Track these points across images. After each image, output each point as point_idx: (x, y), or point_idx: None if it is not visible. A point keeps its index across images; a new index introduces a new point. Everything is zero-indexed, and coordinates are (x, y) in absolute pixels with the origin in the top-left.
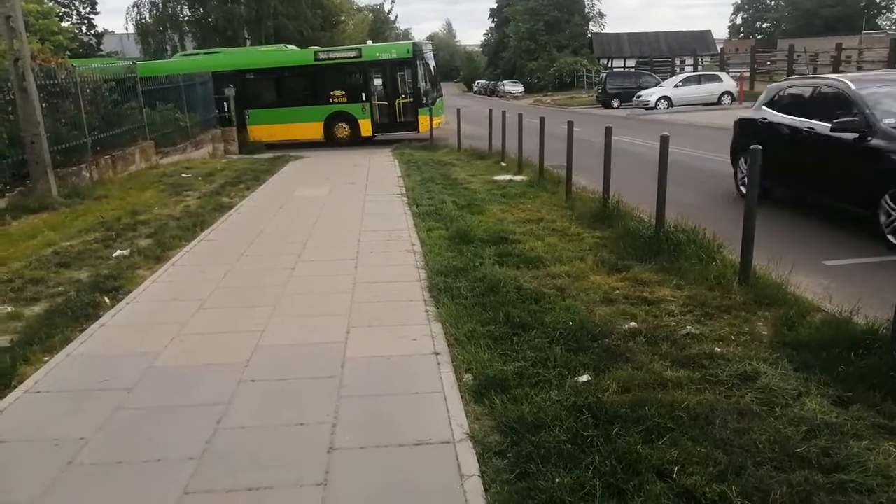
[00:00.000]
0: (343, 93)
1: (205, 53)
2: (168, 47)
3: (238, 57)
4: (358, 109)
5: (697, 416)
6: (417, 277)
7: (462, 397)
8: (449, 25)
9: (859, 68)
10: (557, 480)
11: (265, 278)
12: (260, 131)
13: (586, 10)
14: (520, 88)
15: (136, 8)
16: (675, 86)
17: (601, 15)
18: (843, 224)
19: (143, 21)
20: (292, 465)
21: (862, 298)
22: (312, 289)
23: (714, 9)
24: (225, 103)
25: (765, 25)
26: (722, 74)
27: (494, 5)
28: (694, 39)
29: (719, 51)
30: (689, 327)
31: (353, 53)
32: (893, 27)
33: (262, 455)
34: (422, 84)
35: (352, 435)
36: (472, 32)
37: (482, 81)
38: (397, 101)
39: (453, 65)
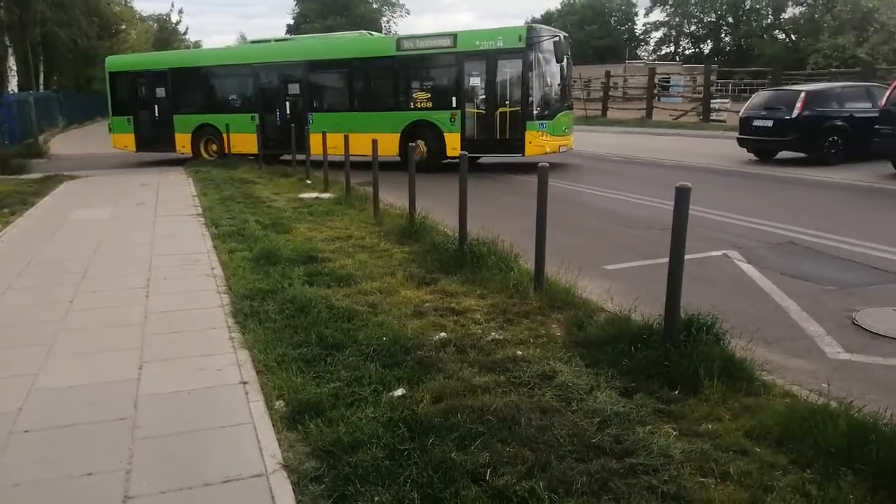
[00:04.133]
0: (428, 96)
1: (275, 41)
2: None
3: (308, 46)
4: (445, 119)
5: (505, 417)
6: (220, 303)
7: (274, 426)
8: (243, 39)
9: (625, 92)
10: (376, 499)
11: (38, 313)
12: (320, 143)
13: (384, 32)
14: None
15: None
16: None
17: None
18: (619, 231)
19: None
20: None
21: (638, 298)
22: (96, 322)
23: None
24: None
25: None
26: None
27: (291, 22)
28: None
29: None
30: (493, 333)
31: (447, 42)
32: (650, 57)
33: None
34: (535, 87)
35: (150, 480)
36: None
37: None
38: (498, 111)
39: None
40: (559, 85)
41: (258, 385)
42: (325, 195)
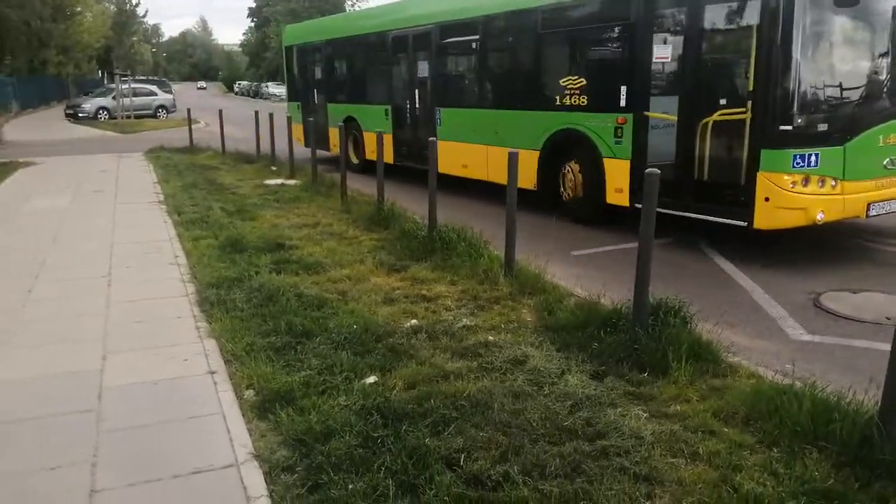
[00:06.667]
0: (582, 83)
1: None
2: None
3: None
4: (605, 130)
5: (478, 402)
6: (185, 292)
7: (244, 415)
8: (204, 22)
9: None
10: (350, 486)
11: None
12: (450, 154)
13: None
14: (285, 91)
15: None
16: None
17: None
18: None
19: None
20: None
21: (606, 283)
22: (56, 313)
23: None
24: None
25: None
26: None
27: (253, 4)
28: None
29: None
30: (464, 320)
31: None
32: None
33: None
34: (790, 69)
35: (117, 473)
36: (231, 31)
37: (244, 82)
38: (708, 120)
39: (211, 64)
40: (871, 62)
41: (226, 374)
42: (291, 181)
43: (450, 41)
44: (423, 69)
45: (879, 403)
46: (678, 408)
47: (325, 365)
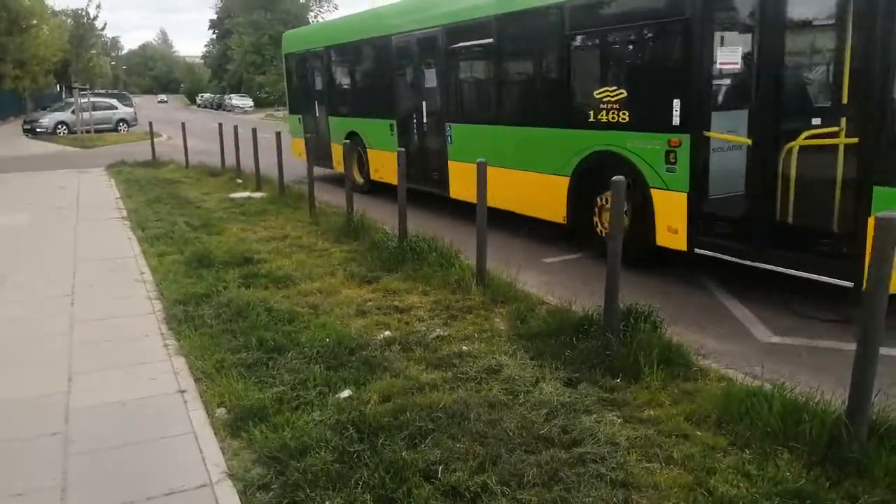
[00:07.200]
0: (621, 96)
1: None
2: None
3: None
4: (651, 153)
5: (454, 413)
6: (151, 309)
7: (216, 434)
8: (164, 35)
9: None
10: (327, 503)
11: None
12: (462, 177)
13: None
14: (249, 103)
15: None
16: None
17: None
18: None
19: None
20: None
21: (576, 290)
22: (18, 334)
23: None
24: None
25: None
26: None
27: (214, 16)
28: None
29: None
30: (438, 330)
31: None
32: None
33: None
34: None
35: (88, 497)
36: (192, 43)
37: (207, 95)
38: (793, 145)
39: (172, 76)
40: None
41: (197, 393)
42: (258, 194)
43: (460, 46)
44: (431, 79)
45: (846, 403)
46: (651, 412)
47: (298, 380)
